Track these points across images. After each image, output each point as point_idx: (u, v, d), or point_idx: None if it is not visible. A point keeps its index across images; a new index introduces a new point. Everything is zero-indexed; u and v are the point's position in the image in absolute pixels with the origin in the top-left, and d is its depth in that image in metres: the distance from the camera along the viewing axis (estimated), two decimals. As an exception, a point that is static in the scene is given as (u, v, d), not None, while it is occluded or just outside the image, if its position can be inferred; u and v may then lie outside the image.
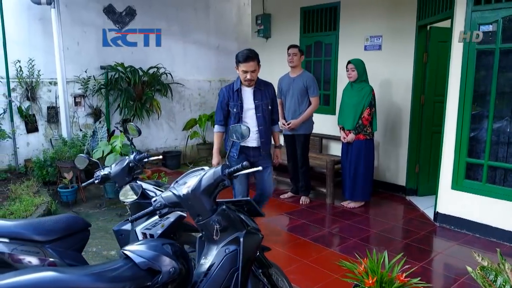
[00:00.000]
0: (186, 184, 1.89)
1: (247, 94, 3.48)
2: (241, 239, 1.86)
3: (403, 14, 5.02)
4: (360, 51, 5.41)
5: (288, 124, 4.76)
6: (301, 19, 6.21)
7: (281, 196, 5.12)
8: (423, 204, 4.88)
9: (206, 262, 1.86)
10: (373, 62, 5.03)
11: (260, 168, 2.00)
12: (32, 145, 5.93)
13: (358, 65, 4.50)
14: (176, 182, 1.96)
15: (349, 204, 4.81)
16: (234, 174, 1.86)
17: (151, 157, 2.54)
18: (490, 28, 3.74)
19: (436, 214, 4.33)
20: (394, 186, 5.38)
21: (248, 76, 3.32)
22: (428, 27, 4.85)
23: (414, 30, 4.92)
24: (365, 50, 5.41)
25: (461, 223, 4.12)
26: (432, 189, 4.95)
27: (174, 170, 6.79)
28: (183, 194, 1.84)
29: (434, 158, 5.03)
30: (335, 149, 5.96)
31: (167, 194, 1.88)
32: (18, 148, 5.78)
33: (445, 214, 4.24)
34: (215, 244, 1.88)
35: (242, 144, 3.44)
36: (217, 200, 1.91)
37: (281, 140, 4.73)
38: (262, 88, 3.49)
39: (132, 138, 2.62)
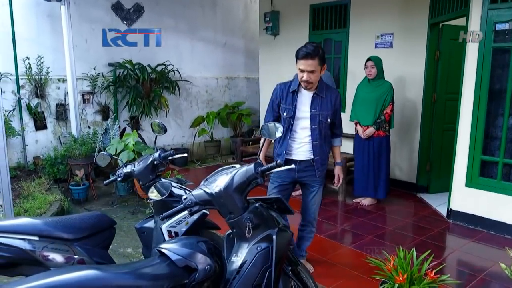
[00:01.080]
0: (217, 182, 1.88)
1: (304, 99, 2.86)
2: (274, 237, 1.85)
3: (415, 11, 5.02)
4: (371, 49, 5.41)
5: None
6: (310, 17, 6.19)
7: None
8: (435, 202, 4.89)
9: (238, 259, 1.86)
10: (384, 60, 4.98)
11: (292, 166, 1.99)
12: (40, 143, 5.92)
13: (378, 62, 4.50)
14: (206, 180, 1.96)
15: (362, 201, 4.82)
16: (267, 172, 1.86)
17: (176, 155, 2.53)
18: (506, 26, 3.74)
19: (450, 211, 4.33)
20: (405, 183, 5.38)
21: (305, 77, 2.72)
22: (440, 25, 4.84)
23: (426, 28, 4.91)
24: (375, 48, 5.41)
25: (475, 220, 4.13)
26: (443, 187, 4.97)
27: (181, 167, 6.78)
28: (215, 192, 1.83)
29: (445, 156, 5.04)
30: (344, 146, 5.94)
31: (198, 192, 1.87)
32: (27, 145, 5.77)
33: (458, 211, 4.25)
34: (246, 241, 1.87)
35: (288, 157, 2.93)
36: (247, 197, 1.91)
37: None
38: (323, 95, 2.83)
39: (156, 136, 2.61)
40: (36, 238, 2.00)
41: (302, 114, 2.86)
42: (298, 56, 2.72)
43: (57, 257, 2.02)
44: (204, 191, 1.86)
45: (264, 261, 1.82)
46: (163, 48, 6.94)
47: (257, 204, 1.87)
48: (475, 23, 3.92)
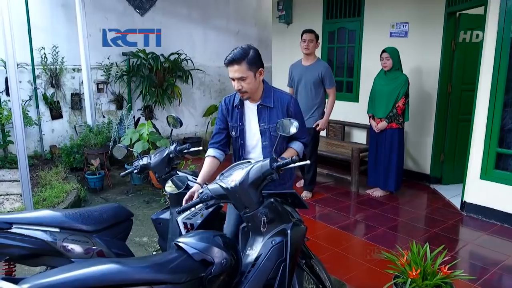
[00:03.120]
0: (233, 176, 1.91)
1: (251, 114, 2.43)
2: (289, 231, 1.88)
3: (431, 0, 4.92)
4: (385, 38, 5.33)
5: (316, 126, 4.49)
6: (324, 5, 6.11)
7: (297, 184, 5.08)
8: (448, 193, 4.86)
9: (253, 253, 1.89)
10: (399, 49, 4.93)
11: (308, 162, 2.01)
12: (56, 132, 6.02)
13: (393, 54, 4.41)
14: (222, 174, 1.98)
15: (374, 193, 4.82)
16: (283, 168, 1.88)
17: (192, 148, 2.56)
18: (526, 15, 3.65)
19: (463, 203, 4.31)
20: (418, 174, 5.35)
21: (236, 86, 2.30)
22: (458, 14, 4.75)
23: (443, 17, 4.81)
24: (390, 37, 5.33)
25: (489, 213, 4.11)
26: (457, 178, 4.93)
27: (194, 156, 6.82)
28: (231, 187, 1.86)
29: (459, 147, 5.00)
30: (357, 137, 5.95)
31: (214, 186, 1.91)
32: (43, 134, 5.87)
33: (472, 204, 4.22)
34: (261, 235, 1.90)
35: None
36: (262, 192, 1.93)
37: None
38: (270, 105, 2.38)
39: (172, 130, 2.64)
40: (57, 229, 2.06)
41: (251, 131, 2.44)
42: (225, 63, 2.31)
43: (77, 248, 2.08)
44: (220, 185, 1.89)
45: (278, 255, 1.85)
46: (177, 37, 6.93)
47: (272, 199, 1.90)
48: (493, 12, 3.83)
